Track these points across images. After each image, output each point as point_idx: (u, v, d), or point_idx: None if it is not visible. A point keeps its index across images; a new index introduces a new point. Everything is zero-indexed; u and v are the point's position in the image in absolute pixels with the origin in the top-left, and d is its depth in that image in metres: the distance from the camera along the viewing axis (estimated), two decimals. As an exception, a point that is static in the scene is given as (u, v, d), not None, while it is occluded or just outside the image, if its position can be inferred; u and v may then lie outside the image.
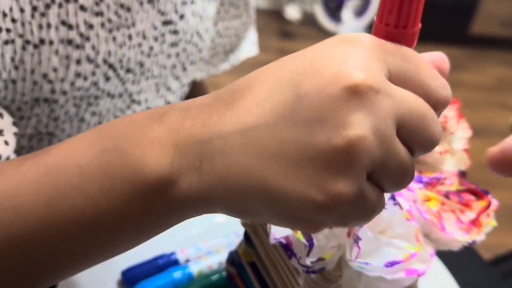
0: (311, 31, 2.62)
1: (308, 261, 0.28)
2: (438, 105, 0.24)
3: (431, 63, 0.25)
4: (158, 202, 0.24)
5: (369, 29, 2.87)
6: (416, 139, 0.23)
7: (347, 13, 2.53)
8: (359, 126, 0.21)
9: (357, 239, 0.28)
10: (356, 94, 0.21)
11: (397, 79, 0.23)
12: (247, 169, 0.22)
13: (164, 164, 0.23)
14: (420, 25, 0.24)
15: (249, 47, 0.69)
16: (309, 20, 2.70)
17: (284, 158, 0.21)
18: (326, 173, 0.21)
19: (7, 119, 0.39)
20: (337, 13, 2.57)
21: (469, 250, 0.58)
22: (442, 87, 0.24)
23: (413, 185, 0.34)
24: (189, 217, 0.25)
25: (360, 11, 2.58)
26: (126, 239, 0.26)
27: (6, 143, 0.38)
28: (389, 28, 0.24)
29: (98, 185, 0.24)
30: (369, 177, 0.22)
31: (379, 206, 0.23)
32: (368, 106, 0.21)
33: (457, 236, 0.32)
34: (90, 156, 0.25)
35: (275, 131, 0.22)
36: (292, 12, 2.70)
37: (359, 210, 0.22)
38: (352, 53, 0.22)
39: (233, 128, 0.22)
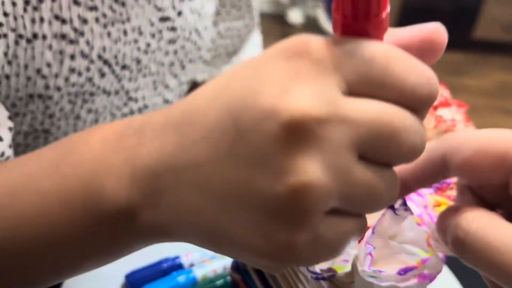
0: (313, 35, 2.62)
1: (317, 269, 0.27)
2: (420, 105, 0.20)
3: (420, 41, 0.21)
4: (118, 232, 0.23)
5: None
6: (389, 156, 0.20)
7: (349, 17, 2.53)
8: (302, 170, 0.18)
9: (370, 248, 0.27)
10: (296, 132, 0.18)
11: (361, 87, 0.19)
12: (199, 210, 0.20)
13: (122, 197, 0.22)
14: (388, 9, 0.20)
15: (253, 49, 0.68)
16: (311, 24, 2.70)
17: (230, 202, 0.19)
18: (272, 223, 0.19)
19: (3, 113, 0.38)
20: (340, 17, 2.57)
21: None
22: (423, 81, 0.20)
23: (423, 190, 0.34)
24: (158, 242, 0.24)
25: (362, 16, 2.58)
26: (91, 263, 0.26)
27: (0, 138, 0.37)
28: (347, 20, 0.19)
29: (59, 213, 0.24)
30: (334, 211, 0.20)
31: (352, 236, 0.21)
32: (313, 143, 0.18)
33: (468, 242, 0.31)
34: (49, 182, 0.24)
35: (221, 171, 0.19)
36: (295, 16, 2.71)
37: (321, 251, 0.20)
38: (294, 73, 0.19)
39: (183, 163, 0.20)
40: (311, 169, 0.18)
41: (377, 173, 0.20)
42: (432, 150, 0.25)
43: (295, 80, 0.19)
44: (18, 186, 0.25)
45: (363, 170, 0.19)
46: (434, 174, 0.25)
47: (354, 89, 0.19)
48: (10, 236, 0.25)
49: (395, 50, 0.20)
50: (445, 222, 0.23)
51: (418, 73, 0.20)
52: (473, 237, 0.21)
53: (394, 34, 0.21)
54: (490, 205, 0.25)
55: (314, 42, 0.20)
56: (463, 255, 0.22)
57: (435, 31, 0.22)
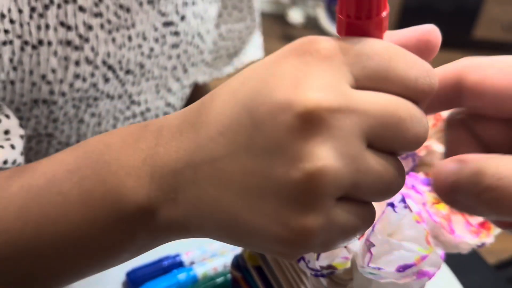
0: (314, 35, 2.62)
1: (317, 265, 0.27)
2: (421, 96, 0.21)
3: (416, 41, 0.23)
4: (139, 230, 0.24)
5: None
6: (395, 144, 0.21)
7: (349, 17, 2.53)
8: (316, 156, 0.19)
9: (370, 246, 0.28)
10: (310, 121, 0.19)
11: (367, 81, 0.21)
12: (218, 202, 0.21)
13: (142, 195, 0.23)
14: (388, 9, 0.21)
15: (254, 50, 0.68)
16: (312, 24, 2.70)
17: (248, 192, 0.21)
18: (289, 208, 0.20)
19: (14, 121, 0.39)
20: (340, 17, 2.57)
21: (474, 255, 0.58)
22: (423, 74, 0.21)
23: (421, 187, 0.34)
24: (175, 239, 0.25)
25: (362, 15, 2.58)
26: (112, 261, 0.27)
27: (13, 147, 0.38)
28: (351, 20, 0.21)
29: (80, 213, 0.25)
30: (345, 198, 0.21)
31: (364, 223, 0.22)
32: (325, 131, 0.19)
33: (466, 238, 0.32)
34: (70, 184, 0.25)
35: (238, 163, 0.21)
36: (295, 16, 2.71)
37: (336, 236, 0.21)
38: (305, 69, 0.20)
39: (201, 159, 0.22)
40: (324, 155, 0.19)
41: (386, 160, 0.21)
42: (448, 67, 0.24)
43: (306, 75, 0.20)
44: (39, 189, 0.26)
45: (373, 158, 0.20)
46: (447, 95, 0.24)
47: (361, 83, 0.21)
48: (33, 237, 0.25)
49: (396, 46, 0.21)
50: (450, 178, 0.20)
51: (419, 67, 0.21)
52: (508, 180, 0.19)
53: (391, 35, 0.23)
54: (484, 145, 0.23)
55: (322, 41, 0.21)
56: (494, 205, 0.19)
57: (430, 31, 0.23)
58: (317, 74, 0.20)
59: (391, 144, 0.21)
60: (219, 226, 0.22)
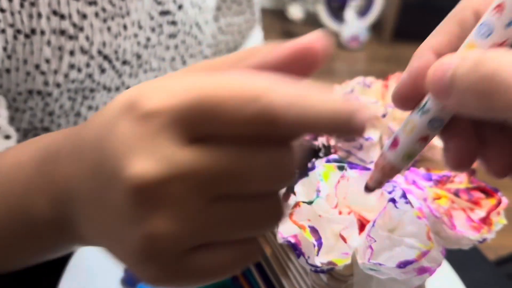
0: (314, 30, 2.62)
1: (318, 261, 0.27)
2: (264, 130, 0.19)
3: (293, 54, 0.21)
4: (58, 240, 0.27)
5: (372, 29, 2.82)
6: (247, 191, 0.20)
7: (349, 13, 2.52)
8: (148, 224, 0.20)
9: (370, 241, 0.27)
10: (137, 197, 0.19)
11: (203, 131, 0.19)
12: (93, 235, 0.24)
13: (49, 215, 0.25)
14: None
15: (254, 45, 0.68)
16: (311, 19, 2.70)
17: (108, 235, 0.22)
18: (140, 261, 0.21)
19: (3, 120, 0.39)
20: (340, 13, 2.56)
21: (474, 251, 0.58)
22: (244, 103, 0.19)
23: (423, 183, 0.34)
24: (88, 246, 0.28)
25: (363, 11, 2.57)
26: (42, 258, 0.30)
27: (8, 137, 0.38)
28: None
29: (5, 223, 0.27)
30: (211, 245, 0.21)
31: (235, 261, 0.22)
32: (154, 201, 0.19)
33: (468, 234, 0.31)
34: None
35: (97, 210, 0.22)
36: (295, 12, 2.70)
37: (193, 281, 0.22)
38: (131, 134, 0.19)
39: (81, 195, 0.23)
40: (155, 222, 0.20)
41: (236, 207, 0.20)
42: (407, 73, 0.25)
43: (133, 143, 0.19)
44: None
45: (219, 208, 0.20)
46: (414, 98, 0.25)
47: (198, 135, 0.19)
48: None
49: (223, 79, 0.20)
50: (450, 70, 0.21)
51: (239, 96, 0.19)
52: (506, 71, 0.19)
53: (265, 54, 0.22)
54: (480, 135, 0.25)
55: (145, 99, 0.20)
56: (487, 96, 0.20)
57: (311, 41, 0.22)
58: (143, 142, 0.19)
59: (243, 191, 0.20)
60: (108, 251, 0.24)
